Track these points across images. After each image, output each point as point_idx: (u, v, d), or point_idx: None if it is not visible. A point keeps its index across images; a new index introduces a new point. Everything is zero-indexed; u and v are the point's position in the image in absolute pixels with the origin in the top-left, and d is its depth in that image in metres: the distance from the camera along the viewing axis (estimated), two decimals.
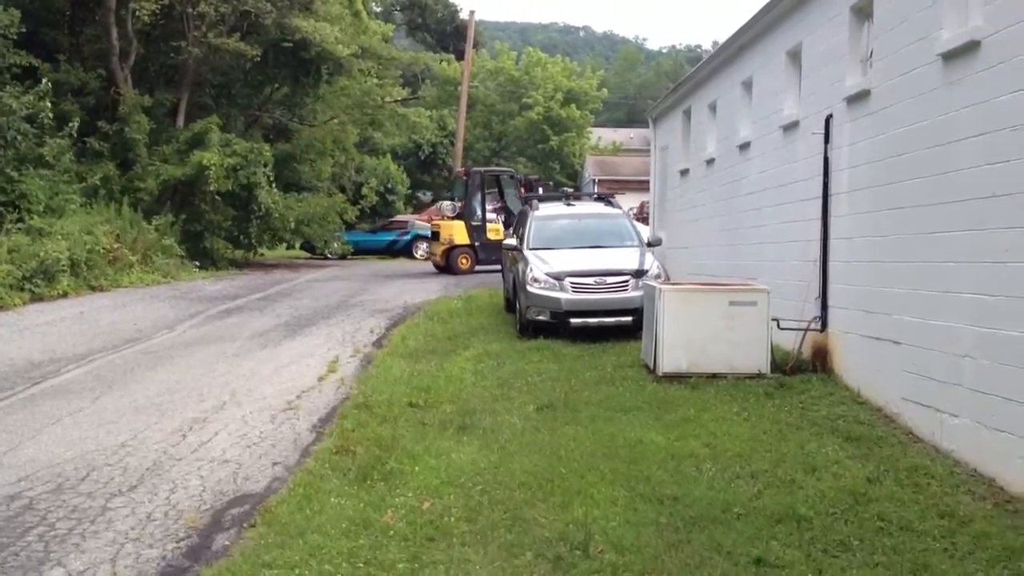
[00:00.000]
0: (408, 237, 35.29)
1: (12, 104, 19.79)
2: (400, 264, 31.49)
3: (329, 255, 33.37)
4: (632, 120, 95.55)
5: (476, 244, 26.15)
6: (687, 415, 8.91)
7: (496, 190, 27.09)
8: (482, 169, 29.65)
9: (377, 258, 34.48)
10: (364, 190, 38.27)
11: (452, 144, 53.27)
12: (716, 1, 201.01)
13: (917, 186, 8.29)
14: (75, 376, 11.29)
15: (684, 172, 18.52)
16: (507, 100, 59.65)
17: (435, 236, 28.27)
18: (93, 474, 7.41)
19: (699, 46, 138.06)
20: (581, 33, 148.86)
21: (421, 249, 34.82)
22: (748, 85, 14.12)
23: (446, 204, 28.79)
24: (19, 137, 20.17)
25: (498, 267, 26.12)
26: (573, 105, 58.43)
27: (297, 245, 35.35)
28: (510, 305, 16.35)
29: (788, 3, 11.97)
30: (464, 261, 26.49)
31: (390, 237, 35.49)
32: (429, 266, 29.79)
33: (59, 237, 18.66)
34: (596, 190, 31.13)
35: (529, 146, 59.51)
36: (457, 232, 26.46)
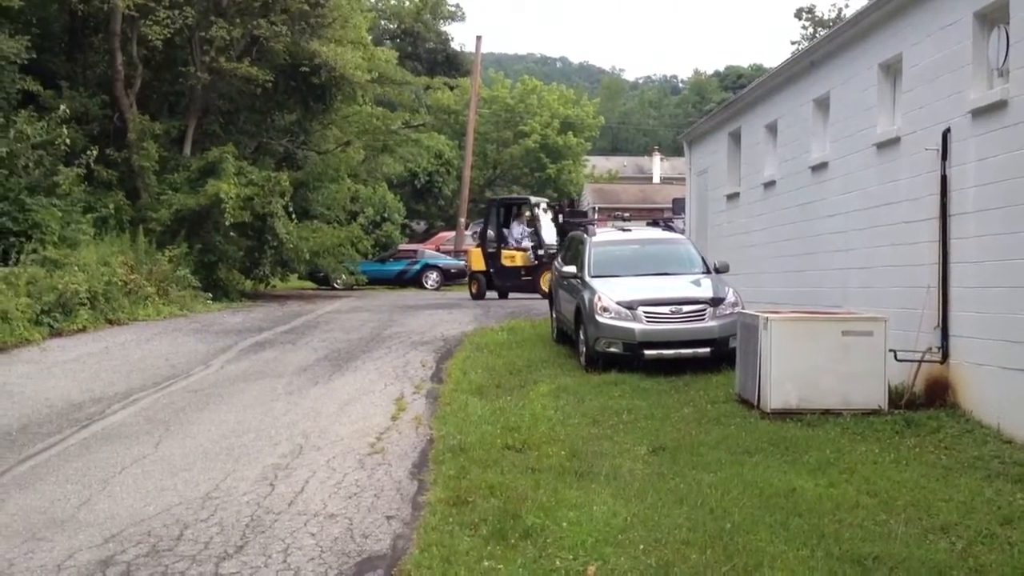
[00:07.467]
0: (418, 267, 34.30)
1: (27, 130, 18.84)
2: (414, 294, 30.49)
3: (338, 286, 32.40)
4: (616, 149, 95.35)
5: (491, 270, 26.10)
6: (825, 458, 8.10)
7: (528, 217, 26.42)
8: (498, 198, 29.74)
9: (387, 288, 33.40)
10: (360, 219, 37.29)
11: (448, 172, 52.70)
12: (690, 33, 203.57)
13: None
14: (124, 418, 10.36)
15: (732, 196, 17.78)
16: (502, 128, 59.05)
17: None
18: (187, 532, 6.51)
19: (676, 76, 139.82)
20: (558, 64, 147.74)
21: (431, 279, 33.99)
22: (823, 102, 13.39)
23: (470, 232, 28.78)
24: (31, 165, 19.24)
25: (521, 294, 25.59)
26: (570, 132, 57.83)
27: (300, 276, 34.21)
28: (563, 336, 15.50)
29: (881, 14, 11.28)
30: (473, 287, 26.62)
31: (399, 267, 34.47)
32: (445, 296, 29.14)
33: (76, 269, 17.66)
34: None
35: (525, 174, 58.82)
36: (474, 259, 26.74)
